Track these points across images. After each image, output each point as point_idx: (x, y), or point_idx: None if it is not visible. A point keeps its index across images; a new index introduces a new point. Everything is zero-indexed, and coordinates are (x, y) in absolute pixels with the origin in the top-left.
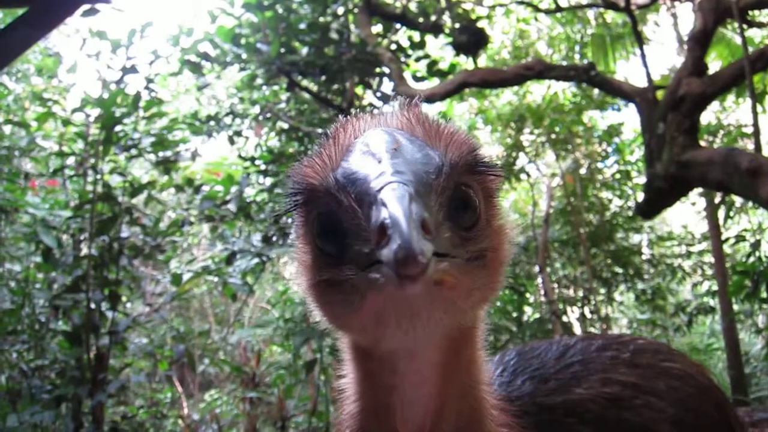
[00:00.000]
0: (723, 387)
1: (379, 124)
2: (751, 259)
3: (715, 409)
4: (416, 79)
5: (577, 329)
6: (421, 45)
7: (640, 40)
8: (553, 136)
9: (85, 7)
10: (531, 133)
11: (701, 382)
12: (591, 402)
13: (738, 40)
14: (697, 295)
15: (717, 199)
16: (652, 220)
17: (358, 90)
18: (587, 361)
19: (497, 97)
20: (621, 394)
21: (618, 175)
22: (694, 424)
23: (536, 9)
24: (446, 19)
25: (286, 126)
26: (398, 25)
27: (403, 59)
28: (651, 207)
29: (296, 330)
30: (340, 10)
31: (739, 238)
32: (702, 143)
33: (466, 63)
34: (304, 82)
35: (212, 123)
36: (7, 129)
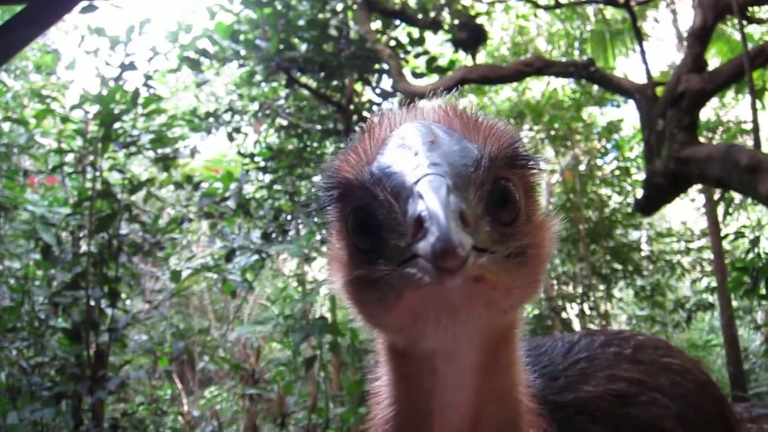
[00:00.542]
0: (722, 383)
1: (415, 117)
2: (750, 255)
3: (713, 405)
4: (415, 75)
5: (577, 326)
6: (421, 41)
7: (639, 36)
8: (553, 132)
9: (84, 3)
10: (530, 129)
11: (700, 378)
12: (600, 399)
13: (737, 36)
14: (696, 291)
15: (716, 196)
16: (651, 216)
17: (358, 86)
18: (592, 357)
19: (496, 94)
20: (627, 391)
21: (617, 172)
22: (696, 419)
23: (535, 5)
24: (445, 15)
25: (285, 123)
26: (397, 22)
27: (402, 56)
28: (650, 203)
29: (296, 327)
30: (339, 7)
31: (738, 235)
32: (701, 140)
33: (465, 59)
34: (303, 79)
35: (211, 120)
36: (6, 126)
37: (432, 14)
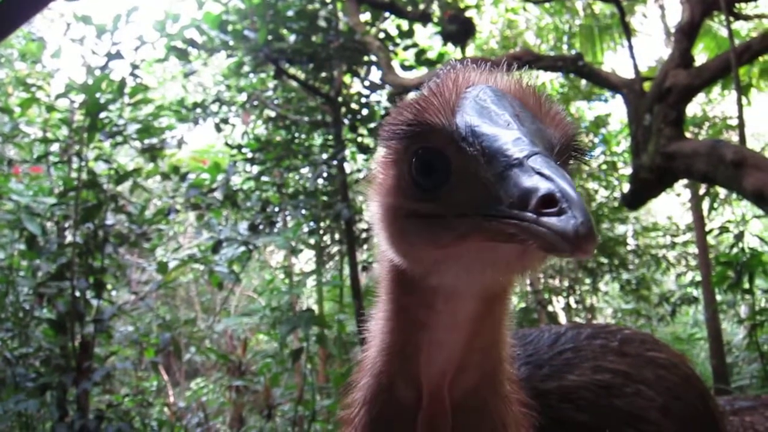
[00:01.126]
0: (705, 376)
1: (489, 81)
2: (735, 250)
3: (698, 399)
4: (404, 68)
5: (563, 319)
6: (410, 34)
7: (627, 31)
8: None
9: None
10: None
11: (685, 372)
12: (584, 389)
13: (725, 32)
14: (680, 285)
15: (702, 191)
16: (637, 210)
17: (346, 78)
18: (578, 348)
19: None
20: (612, 382)
21: (604, 166)
22: (680, 413)
23: None
24: (435, 8)
25: (273, 114)
26: (387, 14)
27: (391, 48)
28: (636, 198)
29: (282, 318)
30: None
31: (723, 230)
32: (688, 135)
33: (454, 52)
34: (292, 70)
35: (199, 110)
36: None
37: (421, 6)
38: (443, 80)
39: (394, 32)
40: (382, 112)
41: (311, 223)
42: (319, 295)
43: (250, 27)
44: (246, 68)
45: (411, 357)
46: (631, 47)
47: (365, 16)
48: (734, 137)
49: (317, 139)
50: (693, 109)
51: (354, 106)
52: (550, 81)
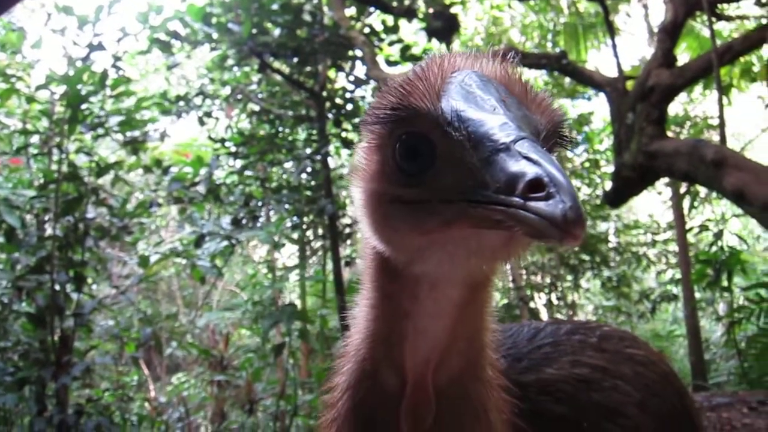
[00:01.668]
0: (684, 373)
1: (474, 66)
2: (714, 248)
3: (675, 396)
4: (389, 63)
5: (544, 315)
6: (395, 29)
7: (611, 30)
8: None
9: None
10: None
11: (663, 370)
12: (562, 382)
13: (707, 32)
14: (661, 282)
15: (682, 190)
16: (619, 208)
17: (331, 73)
18: (557, 343)
19: None
20: (590, 376)
21: (587, 164)
22: (657, 409)
23: None
24: (420, 3)
25: (257, 108)
26: (372, 9)
27: (376, 43)
28: (618, 196)
29: (265, 313)
30: None
31: (703, 228)
32: (669, 134)
33: (439, 48)
34: (276, 64)
35: (182, 103)
36: None
37: (407, 2)
38: (428, 65)
39: (379, 27)
40: (367, 108)
41: (294, 218)
42: (302, 290)
43: (235, 20)
44: (230, 61)
45: (395, 344)
46: (614, 46)
47: (350, 11)
48: (715, 137)
49: (301, 134)
50: (675, 108)
51: (338, 101)
52: (534, 78)
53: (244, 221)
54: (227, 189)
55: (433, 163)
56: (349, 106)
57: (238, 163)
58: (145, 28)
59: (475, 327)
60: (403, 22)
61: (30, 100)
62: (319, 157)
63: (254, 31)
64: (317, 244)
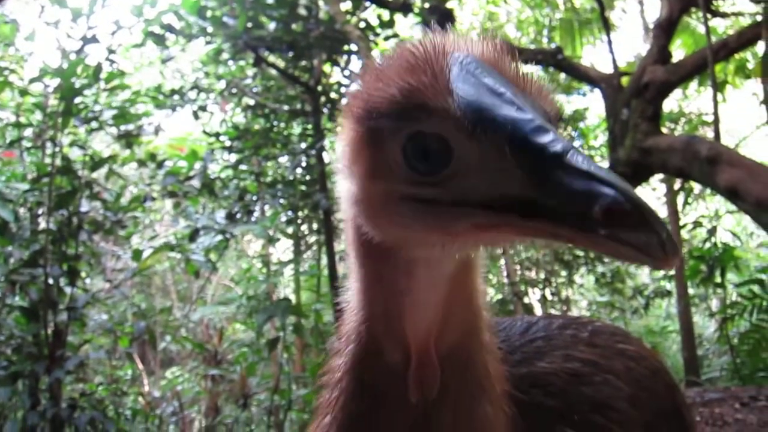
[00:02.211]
0: (677, 368)
1: (471, 50)
2: (707, 244)
3: (666, 391)
4: None
5: (538, 311)
6: (390, 24)
7: (607, 26)
8: None
9: None
10: None
11: (654, 365)
12: (554, 376)
13: (702, 29)
14: (654, 279)
15: (677, 186)
16: None
17: (326, 67)
18: (549, 337)
19: None
20: (581, 371)
21: None
22: (648, 404)
23: None
24: None
25: (252, 102)
26: (368, 3)
27: (371, 38)
28: None
29: (259, 308)
30: None
31: (697, 224)
32: (664, 130)
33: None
34: (271, 58)
35: (176, 97)
36: None
37: None
38: (425, 51)
39: (374, 22)
40: (350, 96)
41: (289, 213)
42: (296, 284)
43: (230, 13)
44: (225, 55)
45: (394, 320)
46: (610, 42)
47: (346, 5)
48: (709, 133)
49: (296, 128)
50: (669, 104)
51: (333, 95)
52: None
53: (238, 215)
54: (222, 183)
55: (450, 161)
56: (345, 101)
57: (233, 158)
58: (139, 21)
59: (470, 291)
60: (398, 17)
61: (23, 92)
62: (314, 152)
63: (249, 24)
64: (312, 239)
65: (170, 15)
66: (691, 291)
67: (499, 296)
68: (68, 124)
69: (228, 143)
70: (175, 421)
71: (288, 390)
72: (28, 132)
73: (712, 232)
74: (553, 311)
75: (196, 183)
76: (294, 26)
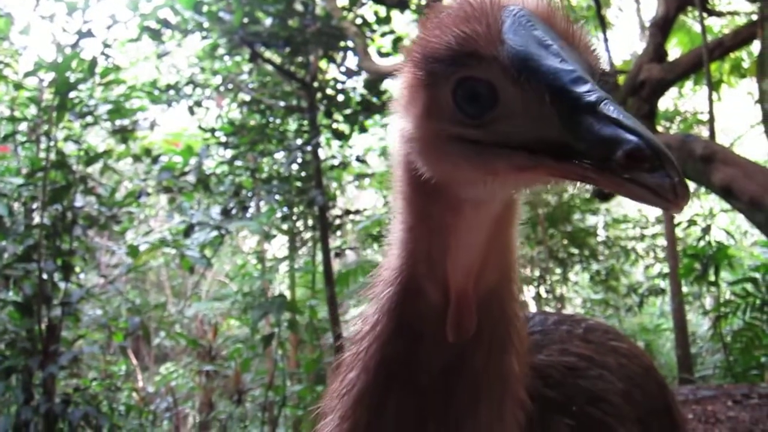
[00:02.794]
0: (670, 366)
1: (520, 2)
2: (702, 243)
3: (657, 388)
4: (381, 54)
5: (533, 308)
6: (387, 20)
7: (603, 24)
8: None
9: None
10: None
11: (645, 363)
12: (552, 368)
13: (698, 28)
14: (648, 276)
15: None
16: (608, 202)
17: (322, 64)
18: (546, 332)
19: None
20: (577, 365)
21: None
22: (640, 400)
23: None
24: None
25: (248, 98)
26: (364, 0)
27: (368, 34)
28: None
29: (254, 304)
30: None
31: (691, 223)
32: (659, 128)
33: None
34: (268, 54)
35: (172, 92)
36: None
37: None
38: (483, 1)
39: (371, 18)
40: (358, 99)
41: (284, 209)
42: (291, 280)
43: (226, 9)
44: (221, 51)
45: (437, 260)
46: (606, 40)
47: (342, 1)
48: (705, 132)
49: (292, 125)
50: (665, 103)
51: (330, 91)
52: None
53: (233, 211)
54: (217, 179)
55: (495, 105)
56: (341, 97)
57: (228, 153)
58: (135, 15)
59: (508, 239)
60: (395, 14)
61: (18, 86)
62: (309, 148)
63: (245, 20)
64: (307, 235)
65: (166, 10)
66: (685, 289)
67: None
68: (63, 118)
69: (223, 139)
70: (169, 417)
71: (282, 386)
72: (23, 126)
73: (706, 230)
74: (547, 309)
75: (191, 178)
76: (290, 22)
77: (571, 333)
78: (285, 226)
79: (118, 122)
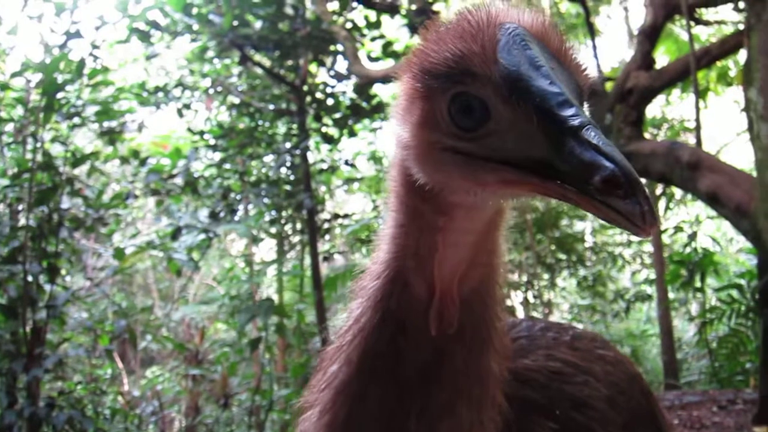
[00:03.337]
0: (656, 371)
1: (519, 20)
2: (688, 249)
3: (642, 396)
4: (371, 59)
5: (521, 313)
6: (377, 25)
7: (592, 31)
8: None
9: None
10: None
11: (630, 371)
12: (537, 373)
13: (685, 36)
14: (635, 282)
15: (658, 191)
16: None
17: (312, 67)
18: (533, 337)
19: None
20: (563, 370)
21: None
22: (625, 407)
23: None
24: (403, 0)
25: (237, 101)
26: (355, 4)
27: (358, 38)
28: None
29: (242, 307)
30: None
31: (678, 229)
32: (646, 136)
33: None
34: (257, 57)
35: (160, 94)
36: None
37: None
38: (480, 19)
39: (361, 23)
40: (347, 103)
41: (273, 212)
42: (279, 284)
43: (216, 11)
44: (210, 53)
45: (425, 257)
46: (594, 47)
47: (333, 5)
48: (691, 139)
49: (281, 128)
50: (652, 110)
51: (319, 95)
52: None
53: (221, 214)
54: (205, 182)
55: (487, 121)
56: (330, 101)
57: (217, 156)
58: (124, 17)
59: (495, 242)
60: (385, 18)
61: (4, 87)
62: (298, 152)
63: (235, 23)
64: (295, 239)
65: (155, 11)
66: (671, 295)
67: None
68: (50, 119)
69: (212, 141)
70: (154, 421)
71: (269, 390)
72: (9, 127)
73: (692, 237)
74: (535, 314)
75: (179, 181)
76: (280, 25)
77: (558, 340)
78: (273, 230)
79: (105, 124)
